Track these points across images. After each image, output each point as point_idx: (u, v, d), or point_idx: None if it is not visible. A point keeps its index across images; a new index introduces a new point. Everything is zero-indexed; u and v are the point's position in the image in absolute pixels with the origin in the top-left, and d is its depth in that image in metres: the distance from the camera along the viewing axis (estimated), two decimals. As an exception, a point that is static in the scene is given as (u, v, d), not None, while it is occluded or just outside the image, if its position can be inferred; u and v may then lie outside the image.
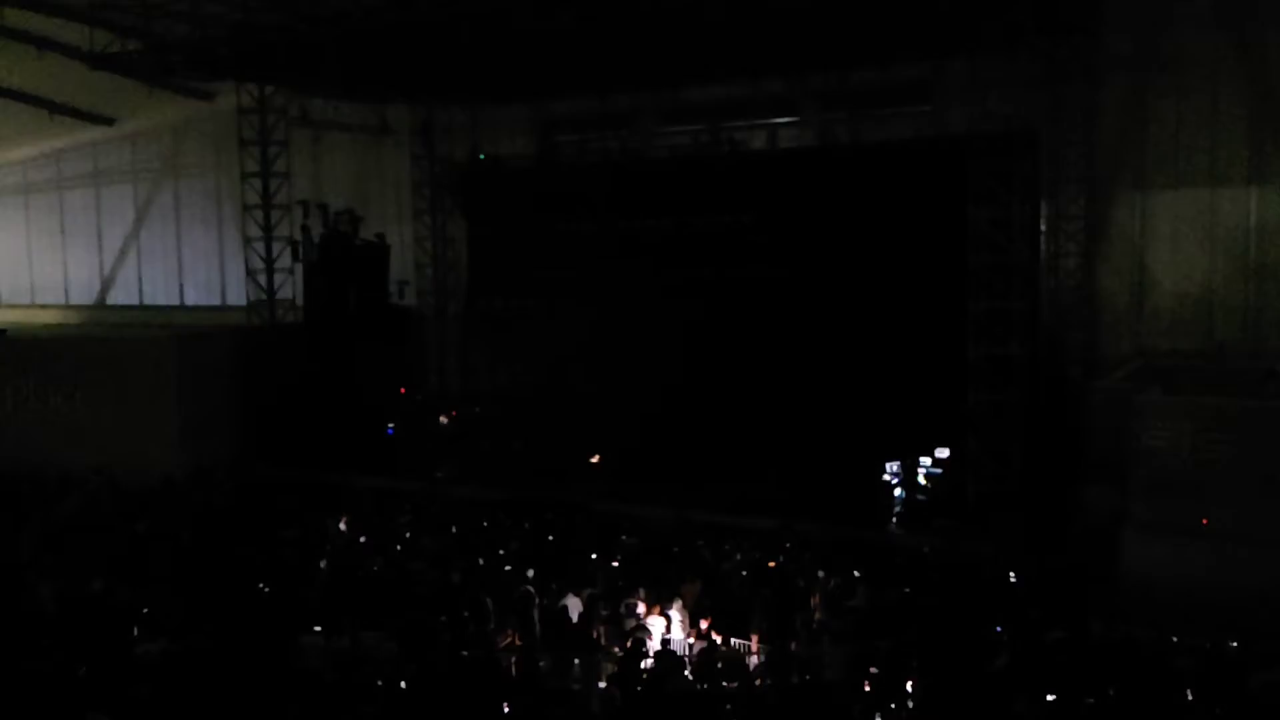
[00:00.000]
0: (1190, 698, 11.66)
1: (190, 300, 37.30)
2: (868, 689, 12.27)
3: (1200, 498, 16.46)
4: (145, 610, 14.71)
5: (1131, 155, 23.31)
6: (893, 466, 21.76)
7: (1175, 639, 14.17)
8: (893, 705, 11.82)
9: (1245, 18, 21.67)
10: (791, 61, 24.48)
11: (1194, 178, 22.65)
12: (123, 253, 38.92)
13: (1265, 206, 22.02)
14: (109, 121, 36.49)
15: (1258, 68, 21.76)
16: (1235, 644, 13.48)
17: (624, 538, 19.33)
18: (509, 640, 14.78)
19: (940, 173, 21.78)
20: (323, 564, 17.45)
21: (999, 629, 14.28)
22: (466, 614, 14.91)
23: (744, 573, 17.04)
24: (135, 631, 14.05)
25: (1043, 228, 23.47)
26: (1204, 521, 16.41)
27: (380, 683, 12.45)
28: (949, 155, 21.39)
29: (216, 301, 36.30)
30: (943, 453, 21.70)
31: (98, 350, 28.66)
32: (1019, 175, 20.64)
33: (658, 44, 22.60)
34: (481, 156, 29.39)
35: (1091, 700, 11.51)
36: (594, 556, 17.78)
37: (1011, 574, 16.94)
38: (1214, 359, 21.60)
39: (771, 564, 17.53)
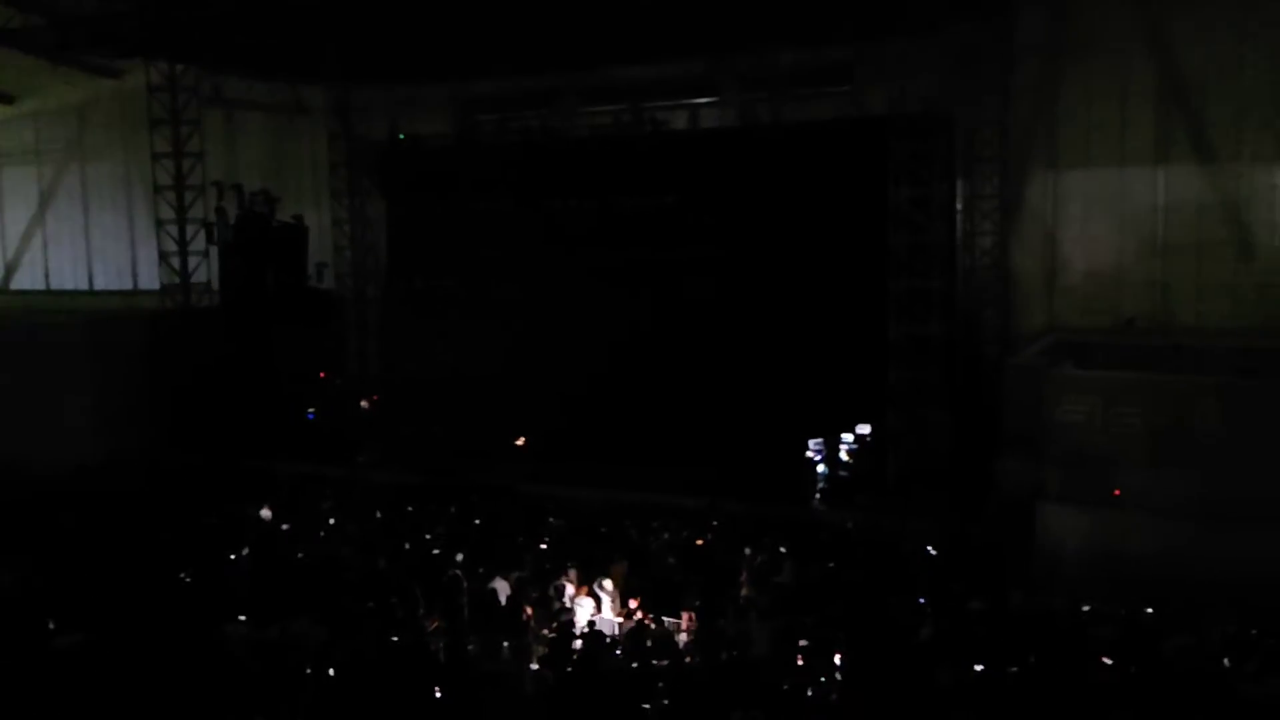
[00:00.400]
0: (1107, 663, 12.01)
1: (100, 285, 36.23)
2: (797, 663, 12.44)
3: (1112, 469, 16.96)
4: (61, 603, 14.34)
5: (1044, 136, 23.78)
6: (815, 444, 22.08)
7: (1090, 607, 14.63)
8: (821, 679, 12.01)
9: (1152, 1, 22.24)
10: (713, 41, 24.49)
11: (1104, 158, 23.21)
12: (27, 236, 37.64)
13: (1171, 186, 22.66)
14: (9, 100, 35.21)
15: (1163, 52, 22.33)
16: (1150, 610, 13.94)
17: (551, 519, 19.34)
18: (435, 625, 14.71)
19: (861, 153, 22.03)
20: (245, 551, 17.17)
21: (922, 601, 14.59)
22: (394, 600, 14.81)
23: (671, 551, 17.16)
24: (51, 625, 13.68)
25: (959, 207, 23.89)
26: (1115, 492, 16.93)
27: (308, 670, 12.30)
28: (869, 136, 21.67)
29: (128, 286, 35.30)
30: (864, 429, 22.06)
31: (2, 336, 27.72)
32: (937, 156, 21.01)
33: (578, 22, 22.46)
34: (401, 136, 28.94)
35: (1013, 669, 11.80)
36: (521, 539, 17.76)
37: (930, 548, 17.33)
38: (1124, 334, 22.21)
39: (699, 542, 17.69)
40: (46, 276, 37.37)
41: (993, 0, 21.99)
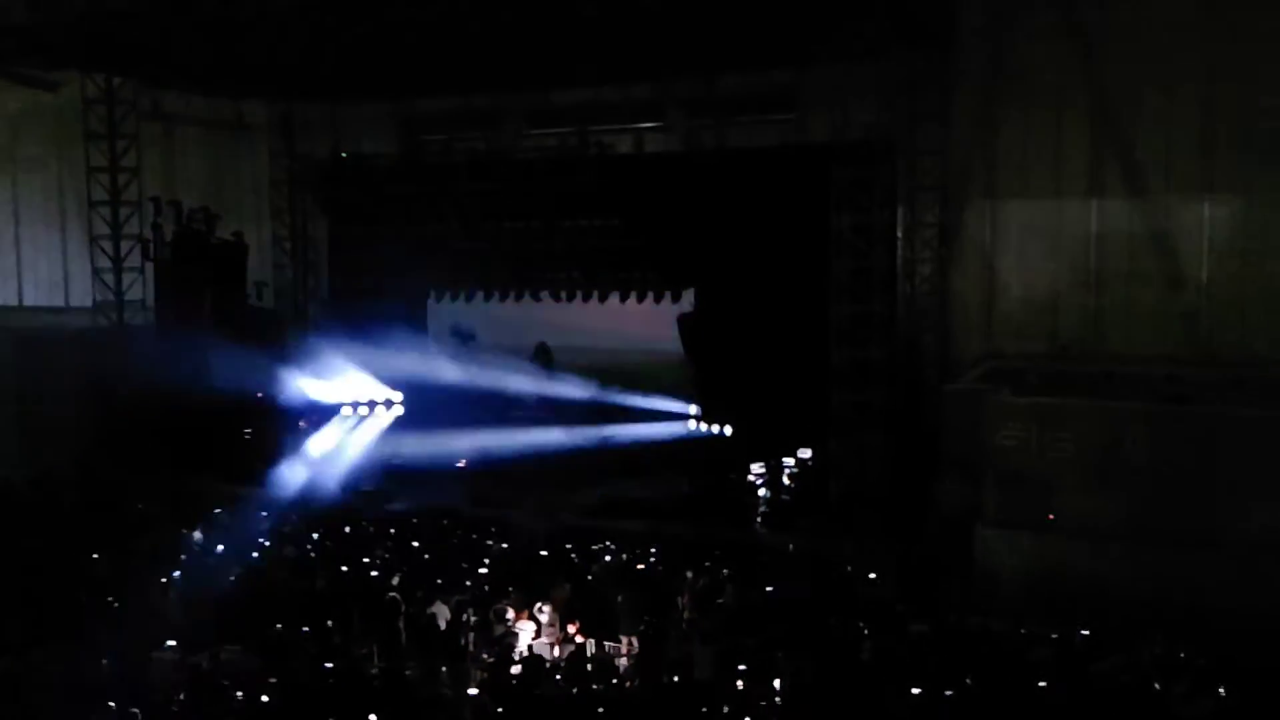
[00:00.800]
0: (1042, 685, 12.15)
1: (30, 300, 35.35)
2: (739, 686, 12.44)
3: (1047, 493, 17.21)
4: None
5: (982, 165, 24.14)
6: (757, 467, 22.18)
7: (1025, 629, 14.80)
8: (762, 702, 12.01)
9: (1086, 35, 22.72)
10: (658, 66, 24.65)
11: (1040, 188, 23.59)
12: (-45, 249, 36.67)
13: (1104, 217, 23.14)
14: (-62, 110, 34.35)
15: (1097, 86, 22.81)
16: (1085, 632, 14.14)
17: (490, 543, 19.18)
18: (369, 650, 14.53)
19: (803, 179, 22.21)
20: (177, 574, 16.81)
21: (861, 624, 14.67)
22: (331, 624, 14.59)
23: (612, 575, 17.09)
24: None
25: (900, 234, 24.18)
26: (1050, 517, 17.18)
27: (240, 697, 12.07)
28: (812, 163, 21.88)
29: (59, 302, 34.50)
30: (806, 453, 22.22)
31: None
32: (878, 183, 21.26)
33: (525, 44, 22.48)
34: (344, 155, 28.68)
35: (950, 691, 11.89)
36: (463, 564, 17.59)
37: (871, 571, 17.44)
38: (1059, 360, 22.57)
39: (640, 566, 17.65)
40: (-26, 291, 36.43)
41: (934, 30, 22.36)
